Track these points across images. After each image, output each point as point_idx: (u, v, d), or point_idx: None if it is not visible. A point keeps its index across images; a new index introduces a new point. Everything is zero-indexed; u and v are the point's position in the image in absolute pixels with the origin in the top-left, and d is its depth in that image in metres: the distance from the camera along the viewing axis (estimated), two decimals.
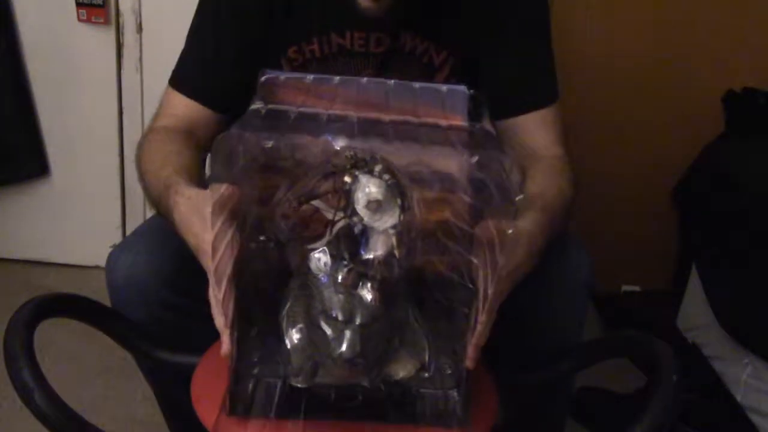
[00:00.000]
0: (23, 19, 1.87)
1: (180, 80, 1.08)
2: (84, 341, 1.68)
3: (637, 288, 2.09)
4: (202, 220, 0.76)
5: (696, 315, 1.81)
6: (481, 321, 0.74)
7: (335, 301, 0.69)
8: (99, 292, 0.99)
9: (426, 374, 0.75)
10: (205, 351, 0.88)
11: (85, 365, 1.66)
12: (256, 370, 0.76)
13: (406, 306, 0.75)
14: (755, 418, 1.55)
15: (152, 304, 0.94)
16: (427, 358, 0.75)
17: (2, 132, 1.92)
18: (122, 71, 1.92)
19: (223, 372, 0.74)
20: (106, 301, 0.96)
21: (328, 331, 0.69)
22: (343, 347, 0.67)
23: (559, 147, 1.06)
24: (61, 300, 0.91)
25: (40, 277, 2.01)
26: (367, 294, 0.68)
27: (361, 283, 0.69)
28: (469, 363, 0.75)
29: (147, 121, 1.94)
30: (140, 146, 1.04)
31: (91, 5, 1.83)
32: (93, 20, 1.85)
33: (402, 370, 0.74)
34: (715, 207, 1.75)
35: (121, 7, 1.87)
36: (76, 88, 1.93)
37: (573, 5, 1.84)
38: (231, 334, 0.74)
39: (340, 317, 0.68)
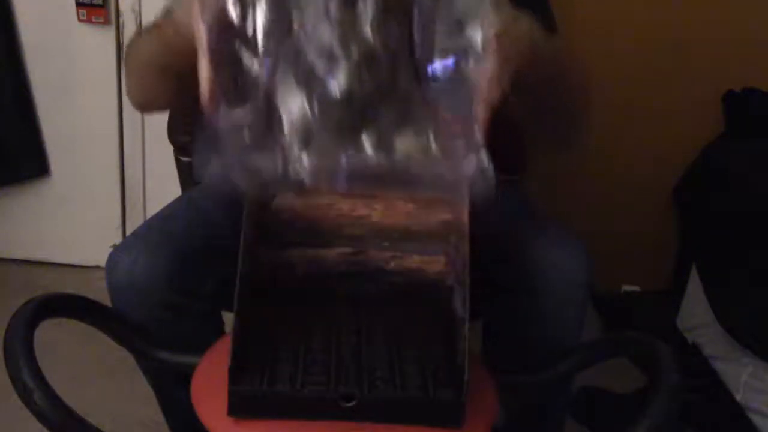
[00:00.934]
0: (23, 19, 1.87)
1: None
2: (84, 341, 1.68)
3: (637, 288, 2.09)
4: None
5: (696, 315, 1.81)
6: (490, 76, 0.68)
7: (327, 34, 0.61)
8: (99, 292, 0.99)
9: (432, 150, 0.68)
10: (206, 351, 0.88)
11: (85, 365, 1.66)
12: (245, 153, 0.67)
13: (408, 75, 0.67)
14: (755, 418, 1.55)
15: (153, 305, 0.94)
16: (432, 134, 0.67)
17: (2, 132, 1.92)
18: (122, 71, 1.92)
19: (224, 372, 0.74)
20: (106, 301, 0.97)
21: (321, 68, 0.62)
22: (338, 82, 0.61)
23: None
24: (61, 300, 0.91)
25: (40, 277, 2.01)
26: (363, 21, 0.61)
27: (356, 17, 0.62)
28: (479, 114, 0.68)
29: (147, 122, 1.96)
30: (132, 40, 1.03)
31: (91, 5, 1.83)
32: (93, 20, 1.85)
33: (406, 142, 0.68)
34: (715, 207, 1.75)
35: (121, 7, 1.87)
36: (76, 88, 1.93)
37: (572, 5, 1.84)
38: (208, 66, 0.66)
39: (333, 49, 0.61)
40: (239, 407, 0.74)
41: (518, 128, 1.29)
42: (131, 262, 0.94)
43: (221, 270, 0.98)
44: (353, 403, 0.74)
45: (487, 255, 0.98)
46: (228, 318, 0.94)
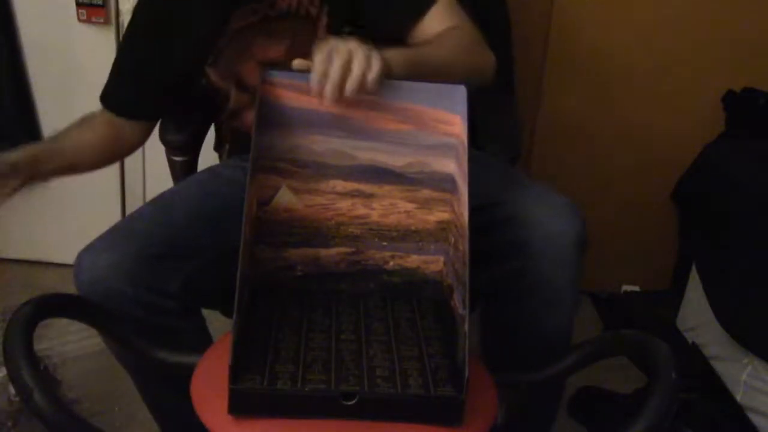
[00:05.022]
0: (24, 18, 1.87)
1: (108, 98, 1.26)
2: (84, 341, 1.69)
3: (637, 288, 2.09)
4: None
5: (696, 315, 1.81)
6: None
7: None
8: None
9: None
10: (205, 351, 0.88)
11: (85, 365, 1.66)
12: None
13: None
14: (755, 418, 1.55)
15: (121, 301, 0.93)
16: None
17: (2, 131, 1.92)
18: None
19: (225, 371, 0.74)
20: None
21: None
22: None
23: (466, 23, 1.07)
24: (60, 300, 0.90)
25: (40, 277, 2.01)
26: None
27: None
28: None
29: None
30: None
31: (91, 5, 1.83)
32: (93, 20, 1.85)
33: None
34: (715, 207, 1.75)
35: (121, 7, 1.86)
36: (76, 88, 1.93)
37: (573, 5, 1.84)
38: None
39: None
40: (240, 406, 0.74)
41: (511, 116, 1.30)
42: (93, 260, 0.94)
43: (185, 270, 0.98)
44: (354, 401, 0.74)
45: (478, 224, 0.97)
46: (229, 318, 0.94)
